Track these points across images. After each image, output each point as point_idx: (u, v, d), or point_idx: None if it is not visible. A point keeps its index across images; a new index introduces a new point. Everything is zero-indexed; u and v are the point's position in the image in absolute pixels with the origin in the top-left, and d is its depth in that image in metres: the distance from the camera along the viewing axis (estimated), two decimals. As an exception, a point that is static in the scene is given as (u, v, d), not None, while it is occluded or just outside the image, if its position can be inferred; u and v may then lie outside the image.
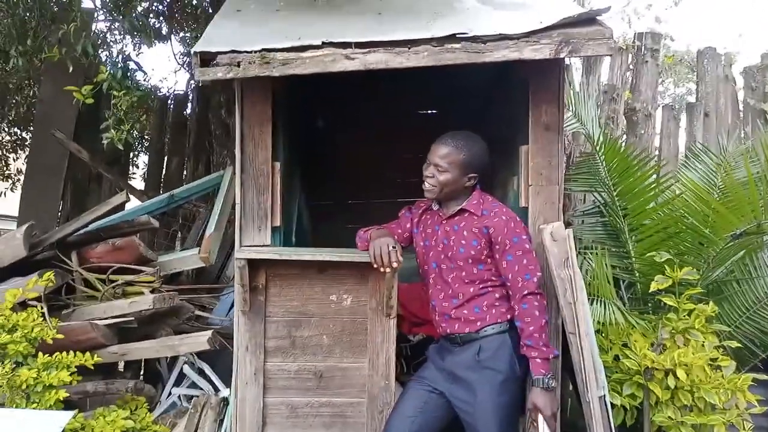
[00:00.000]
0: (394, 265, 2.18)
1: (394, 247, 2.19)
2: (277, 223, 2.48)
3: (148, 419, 2.68)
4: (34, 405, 2.25)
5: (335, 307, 2.47)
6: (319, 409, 2.45)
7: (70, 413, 2.21)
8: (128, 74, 3.29)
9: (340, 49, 2.10)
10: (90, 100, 3.21)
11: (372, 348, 2.44)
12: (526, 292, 2.11)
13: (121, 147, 3.24)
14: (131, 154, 5.50)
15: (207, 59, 2.08)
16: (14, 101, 5.36)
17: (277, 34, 2.18)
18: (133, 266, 3.32)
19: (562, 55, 2.12)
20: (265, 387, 2.44)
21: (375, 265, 2.20)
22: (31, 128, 5.40)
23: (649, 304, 3.31)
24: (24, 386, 2.25)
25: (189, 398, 3.17)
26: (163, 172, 5.30)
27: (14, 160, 5.94)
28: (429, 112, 4.12)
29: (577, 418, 2.72)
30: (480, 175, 2.26)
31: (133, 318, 2.85)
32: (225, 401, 3.00)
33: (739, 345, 2.94)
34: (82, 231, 3.43)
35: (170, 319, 3.08)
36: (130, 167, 5.57)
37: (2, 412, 2.21)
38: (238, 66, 2.08)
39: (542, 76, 2.43)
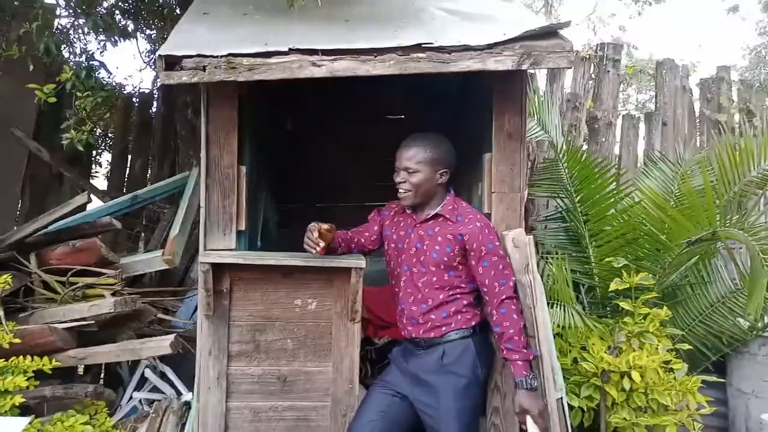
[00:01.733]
0: (321, 244, 2.18)
1: (321, 228, 2.20)
2: (242, 227, 2.48)
3: (107, 424, 2.65)
4: (-12, 411, 2.20)
5: (300, 312, 2.47)
6: (282, 413, 2.46)
7: (26, 419, 2.17)
8: (92, 73, 3.22)
9: (306, 55, 2.12)
10: (53, 99, 3.14)
11: (336, 352, 2.46)
12: (503, 297, 2.14)
13: (81, 148, 3.18)
14: (94, 153, 5.38)
15: (172, 62, 2.07)
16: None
17: (244, 40, 2.19)
18: (94, 268, 3.27)
19: (523, 67, 2.17)
20: (228, 391, 2.43)
21: (307, 248, 2.21)
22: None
23: (608, 308, 3.41)
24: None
25: (150, 402, 3.14)
26: (127, 172, 5.21)
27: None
28: (397, 117, 4.15)
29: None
30: (450, 171, 2.29)
31: (93, 321, 2.81)
32: (187, 405, 2.98)
33: (692, 348, 3.07)
34: (41, 232, 3.36)
35: (132, 323, 3.04)
36: (93, 166, 5.45)
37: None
38: (204, 70, 2.08)
39: (505, 85, 2.49)
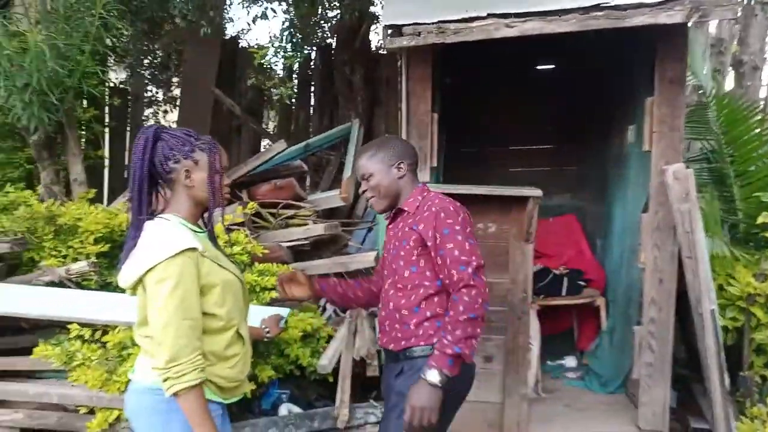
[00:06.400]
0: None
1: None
2: (435, 164, 3.02)
3: (321, 321, 3.34)
4: (253, 302, 2.95)
5: (482, 233, 3.00)
6: (467, 315, 3.03)
7: (287, 309, 2.89)
8: (293, 38, 3.86)
9: (501, 19, 2.57)
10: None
11: (512, 267, 2.98)
12: (461, 285, 1.79)
13: (288, 102, 3.86)
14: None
15: (394, 30, 2.60)
16: (169, 64, 6.15)
17: (447, 8, 2.67)
18: (294, 202, 4.00)
19: (692, 20, 2.49)
20: (425, 296, 3.03)
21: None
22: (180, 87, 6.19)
23: (751, 243, 3.66)
24: (247, 287, 2.95)
25: (344, 311, 3.84)
26: (292, 124, 5.96)
27: (164, 115, 6.80)
28: (547, 68, 4.50)
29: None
30: (409, 161, 2.03)
31: (308, 241, 3.52)
32: (373, 313, 3.64)
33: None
34: (251, 173, 4.13)
35: (331, 246, 3.73)
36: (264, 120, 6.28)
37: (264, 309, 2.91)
38: (419, 35, 2.60)
39: (669, 36, 2.80)
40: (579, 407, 3.37)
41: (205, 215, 1.74)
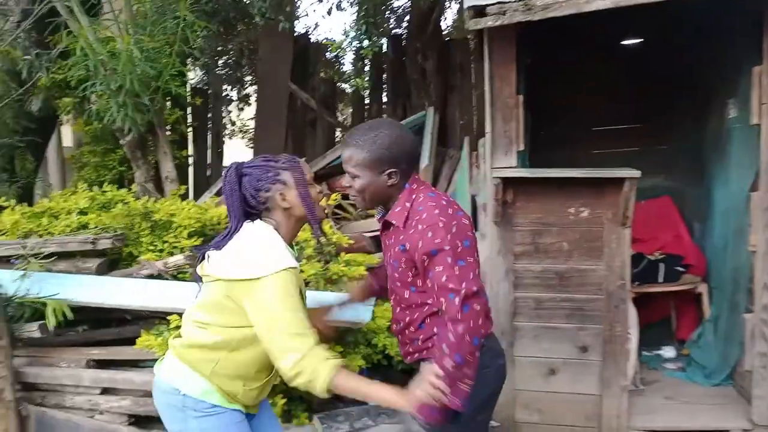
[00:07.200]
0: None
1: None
2: (521, 147, 2.92)
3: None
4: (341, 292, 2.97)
5: (573, 218, 2.88)
6: (560, 303, 2.92)
7: (371, 301, 2.89)
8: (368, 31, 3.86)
9: (591, -10, 2.43)
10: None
11: (608, 253, 2.83)
12: (447, 317, 1.62)
13: (362, 92, 3.85)
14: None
15: (478, 10, 2.52)
16: (244, 62, 6.31)
17: (532, -16, 2.55)
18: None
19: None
20: (514, 284, 2.95)
21: None
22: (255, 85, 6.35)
23: None
24: (333, 278, 2.98)
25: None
26: (365, 114, 5.98)
27: (239, 113, 7.01)
28: (635, 42, 4.26)
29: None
30: (403, 167, 1.76)
31: (390, 232, 3.50)
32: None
33: None
34: (330, 165, 4.16)
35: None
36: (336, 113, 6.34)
37: (324, 295, 2.94)
38: (504, 14, 2.50)
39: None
40: (682, 400, 3.18)
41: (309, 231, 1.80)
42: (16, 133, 4.37)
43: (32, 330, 2.90)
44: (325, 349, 1.58)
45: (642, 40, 4.23)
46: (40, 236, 3.27)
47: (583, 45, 3.97)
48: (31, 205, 4.05)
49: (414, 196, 1.75)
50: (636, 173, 2.67)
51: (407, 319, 1.81)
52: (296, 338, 1.55)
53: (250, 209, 1.72)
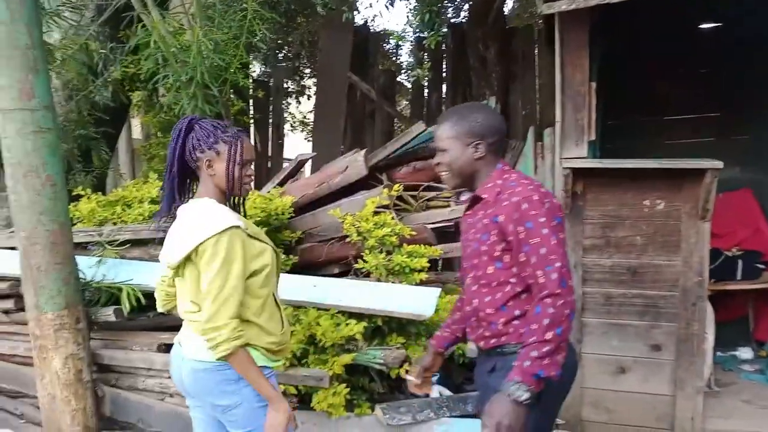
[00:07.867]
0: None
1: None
2: (593, 137, 2.81)
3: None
4: (402, 283, 2.95)
5: (648, 211, 2.75)
6: (632, 299, 2.81)
7: (437, 289, 2.87)
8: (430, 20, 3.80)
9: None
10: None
11: (686, 247, 2.70)
12: (544, 293, 1.58)
13: (422, 83, 3.80)
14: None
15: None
16: (302, 54, 6.37)
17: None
18: (434, 184, 3.94)
19: None
20: (583, 278, 2.85)
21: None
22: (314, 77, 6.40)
23: None
24: (396, 269, 2.96)
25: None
26: (425, 104, 5.92)
27: (298, 105, 7.09)
28: (714, 25, 4.05)
29: None
30: (490, 140, 1.79)
31: (452, 223, 3.45)
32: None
33: None
34: (391, 156, 4.13)
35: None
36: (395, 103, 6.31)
37: (387, 286, 2.93)
38: (579, -3, 2.40)
39: None
40: (761, 404, 3.02)
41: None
42: (91, 125, 4.55)
43: (107, 314, 3.02)
44: (238, 325, 1.66)
45: (720, 24, 4.00)
46: (115, 224, 3.40)
47: (658, 30, 3.80)
48: (104, 194, 4.21)
49: (506, 176, 1.78)
50: (718, 164, 2.54)
51: (486, 299, 1.74)
52: (220, 309, 1.63)
53: (184, 162, 1.79)
